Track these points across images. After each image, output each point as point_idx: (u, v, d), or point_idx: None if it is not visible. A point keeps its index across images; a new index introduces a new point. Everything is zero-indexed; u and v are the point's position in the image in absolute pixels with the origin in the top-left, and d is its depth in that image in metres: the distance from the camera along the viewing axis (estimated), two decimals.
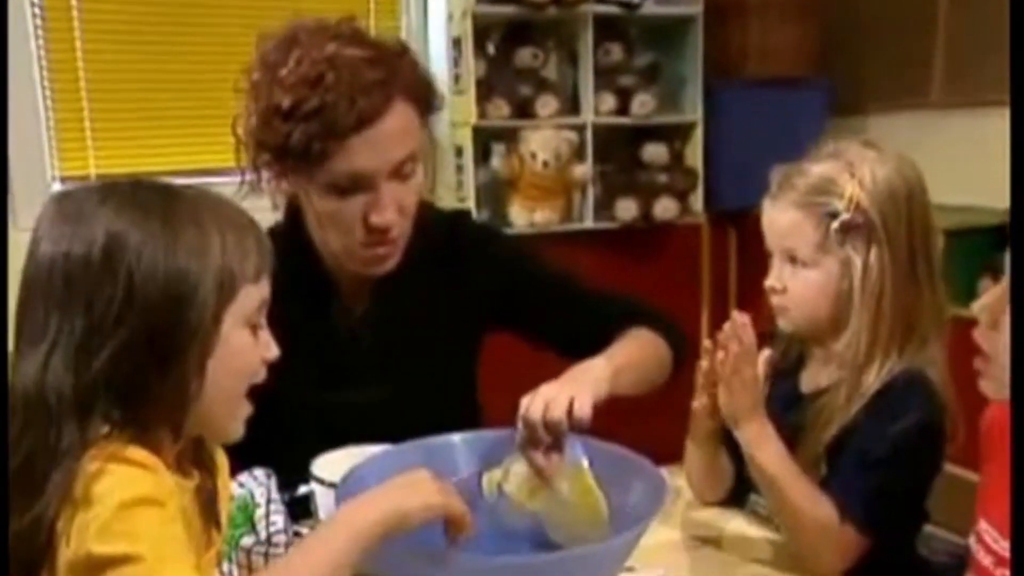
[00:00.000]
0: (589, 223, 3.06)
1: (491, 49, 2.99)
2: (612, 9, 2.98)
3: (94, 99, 2.66)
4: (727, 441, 1.30)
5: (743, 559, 1.24)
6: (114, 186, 0.89)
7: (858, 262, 1.22)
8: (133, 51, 2.70)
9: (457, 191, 2.94)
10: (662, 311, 1.47)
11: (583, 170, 3.01)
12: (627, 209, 3.08)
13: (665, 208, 3.12)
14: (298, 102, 1.18)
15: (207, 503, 0.94)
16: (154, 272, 0.84)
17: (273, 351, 0.95)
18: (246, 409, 0.94)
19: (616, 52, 3.08)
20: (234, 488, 1.16)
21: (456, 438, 1.18)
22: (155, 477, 0.83)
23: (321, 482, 1.18)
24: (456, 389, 1.47)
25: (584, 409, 1.10)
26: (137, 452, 0.83)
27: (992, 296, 0.94)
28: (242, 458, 1.13)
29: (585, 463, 1.11)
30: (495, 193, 3.00)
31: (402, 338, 1.39)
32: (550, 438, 1.10)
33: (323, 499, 1.18)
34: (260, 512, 1.17)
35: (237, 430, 0.94)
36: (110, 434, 0.83)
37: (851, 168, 1.23)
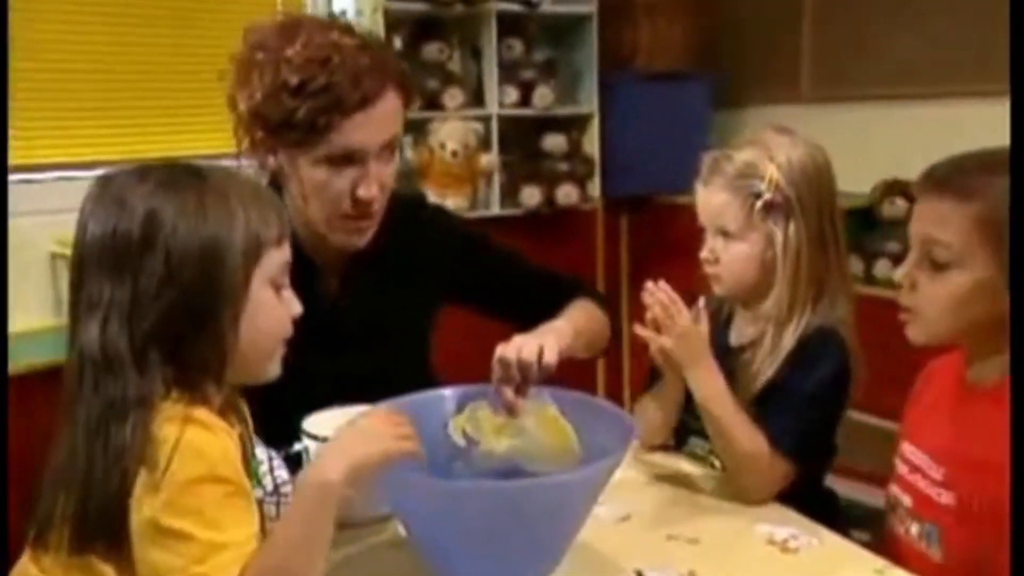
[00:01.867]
0: (496, 209, 3.21)
1: (399, 43, 3.08)
2: (513, 7, 3.15)
3: (21, 87, 2.58)
4: None
5: (690, 492, 1.42)
6: (149, 168, 0.99)
7: (779, 235, 1.41)
8: (64, 40, 2.69)
9: None
10: (595, 287, 1.63)
11: (489, 159, 3.16)
12: (531, 196, 3.25)
13: (566, 194, 3.30)
14: (307, 80, 1.29)
15: (245, 450, 1.05)
16: (188, 242, 0.94)
17: (296, 307, 1.05)
18: (281, 352, 1.05)
19: (517, 48, 3.24)
20: None
21: (446, 392, 1.29)
22: (219, 440, 0.94)
23: (314, 438, 1.26)
24: (419, 359, 1.59)
25: (552, 354, 1.25)
26: (203, 413, 0.94)
27: (907, 266, 1.20)
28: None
29: (550, 401, 1.25)
30: (407, 182, 3.08)
31: (378, 310, 1.50)
32: (520, 377, 1.23)
33: (316, 453, 1.28)
34: (264, 468, 1.26)
35: (275, 370, 1.05)
36: (168, 394, 0.94)
37: (769, 153, 1.42)
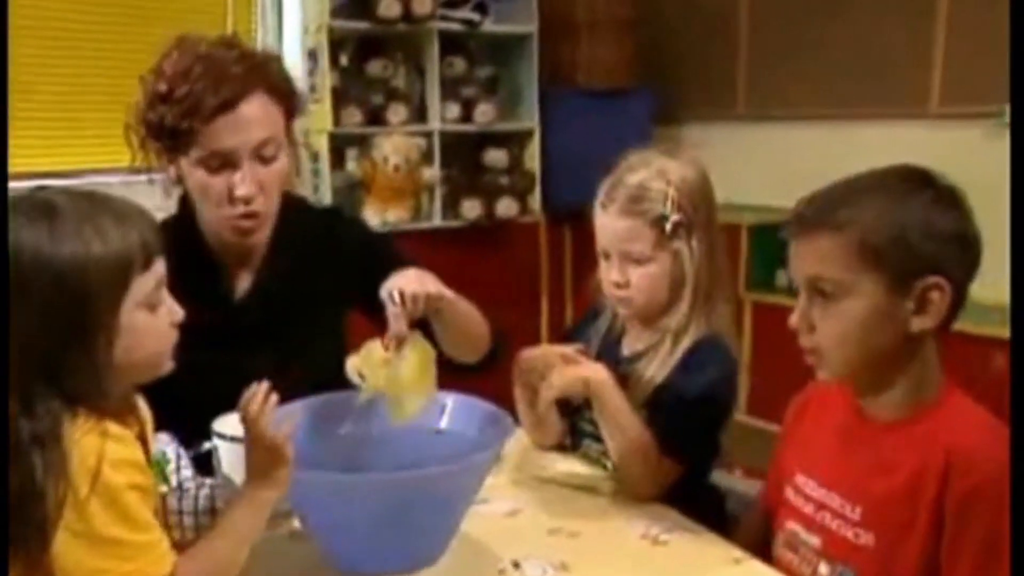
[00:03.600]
0: (437, 221, 3.29)
1: (344, 60, 3.18)
2: (455, 26, 3.24)
3: (15, 98, 2.65)
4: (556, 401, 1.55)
5: (578, 491, 1.50)
6: (20, 197, 1.00)
7: (686, 251, 1.48)
8: (56, 52, 2.80)
9: (314, 193, 3.11)
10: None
11: (431, 173, 3.25)
12: (472, 208, 3.33)
13: (506, 207, 3.39)
14: (172, 88, 1.40)
15: (145, 449, 1.10)
16: (43, 273, 0.94)
17: (177, 314, 1.07)
18: (168, 356, 1.08)
19: (459, 65, 3.33)
20: None
21: (340, 396, 1.37)
22: (132, 450, 1.00)
23: (223, 437, 1.34)
24: (329, 358, 1.67)
25: (439, 286, 1.35)
26: (113, 426, 0.99)
27: (799, 310, 1.19)
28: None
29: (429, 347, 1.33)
30: (350, 194, 3.19)
31: (283, 309, 1.58)
32: (410, 309, 1.32)
33: (226, 453, 1.34)
34: (171, 467, 1.34)
35: (166, 369, 1.08)
36: (74, 416, 0.97)
37: (664, 175, 1.48)
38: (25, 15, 2.68)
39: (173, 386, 1.17)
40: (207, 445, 1.38)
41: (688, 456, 1.46)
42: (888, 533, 1.16)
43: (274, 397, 1.12)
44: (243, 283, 1.59)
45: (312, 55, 3.05)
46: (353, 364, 1.34)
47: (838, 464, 1.24)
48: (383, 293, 1.34)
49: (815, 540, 1.24)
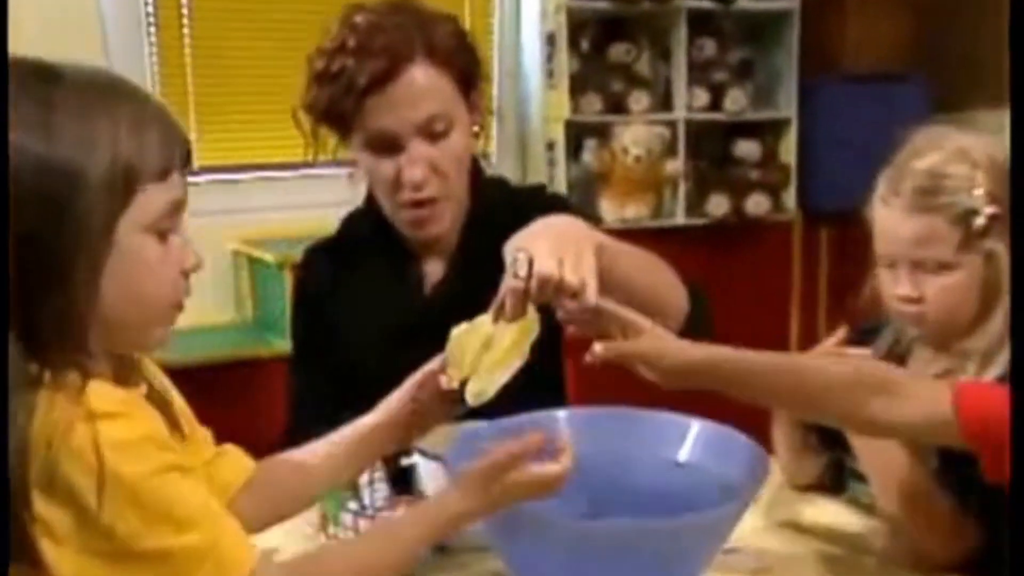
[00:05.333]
0: (680, 219, 3.07)
1: (584, 44, 3.01)
2: (706, 4, 2.99)
3: (200, 94, 2.74)
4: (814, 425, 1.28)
5: (847, 549, 1.22)
6: (22, 62, 0.77)
7: (1001, 252, 1.15)
8: (241, 44, 2.79)
9: (549, 185, 2.97)
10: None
11: (675, 165, 3.03)
12: (718, 205, 3.09)
13: (757, 204, 3.12)
14: (327, 66, 1.27)
15: (162, 409, 0.87)
16: (25, 166, 0.73)
17: (190, 260, 0.84)
18: (171, 320, 0.84)
19: (710, 47, 3.09)
20: None
21: (560, 414, 1.17)
22: (136, 422, 0.77)
23: (425, 454, 1.20)
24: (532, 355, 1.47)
25: (585, 277, 1.02)
26: (100, 396, 0.75)
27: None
28: (335, 425, 1.15)
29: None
30: (586, 188, 3.02)
31: (477, 304, 1.40)
32: (531, 290, 1.02)
33: (426, 471, 1.21)
34: (364, 479, 1.20)
35: (162, 338, 0.85)
36: (38, 380, 0.74)
37: (966, 156, 1.18)
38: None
39: (367, 391, 1.06)
40: (406, 461, 1.24)
41: (992, 517, 1.14)
42: None
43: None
44: (434, 274, 1.43)
45: (550, 39, 2.91)
46: (453, 345, 1.06)
47: None
48: (508, 250, 1.06)
49: None
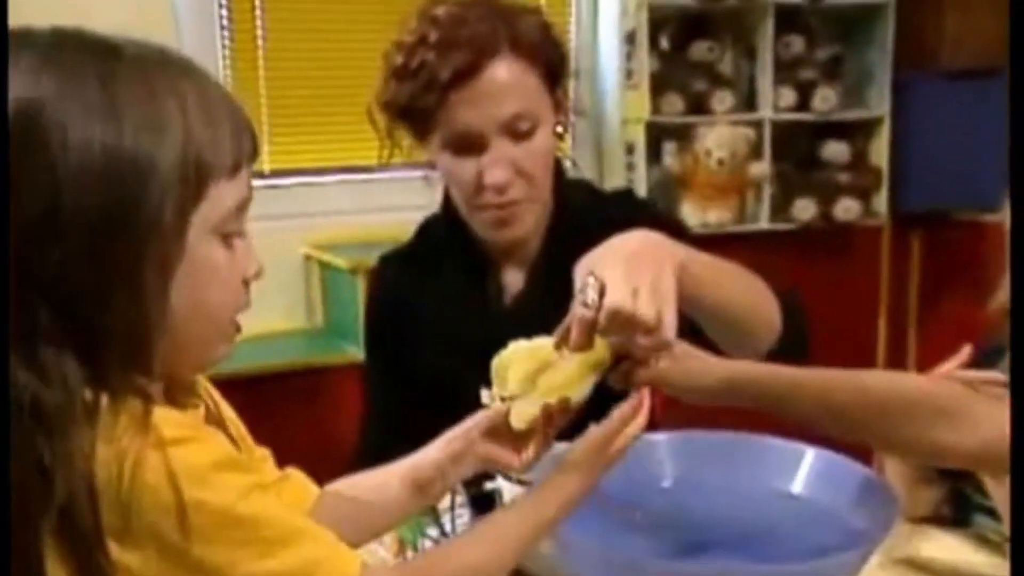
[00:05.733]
0: (765, 223, 2.94)
1: (664, 43, 2.90)
2: None
3: (272, 96, 2.69)
4: None
5: None
6: (27, 36, 0.67)
7: None
8: (313, 48, 2.75)
9: None
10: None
11: (760, 168, 2.90)
12: (805, 209, 2.96)
13: (846, 209, 2.99)
14: (406, 61, 1.21)
15: (220, 430, 0.80)
16: (87, 154, 0.64)
17: (254, 267, 0.75)
18: (233, 336, 0.76)
19: (797, 44, 2.96)
20: None
21: (660, 438, 1.09)
22: (206, 445, 0.70)
23: (509, 479, 1.12)
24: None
25: (665, 313, 0.88)
26: (168, 423, 0.67)
27: None
28: (410, 440, 1.07)
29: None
30: (667, 192, 2.91)
31: (560, 318, 1.30)
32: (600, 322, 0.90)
33: (511, 496, 1.13)
34: (444, 504, 1.13)
35: (224, 354, 0.77)
36: (85, 375, 0.66)
37: None
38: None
39: (444, 406, 0.99)
40: (489, 485, 1.17)
41: None
42: None
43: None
44: (514, 284, 1.36)
45: (630, 37, 2.80)
46: (503, 361, 0.94)
47: None
48: (578, 272, 0.94)
49: None
